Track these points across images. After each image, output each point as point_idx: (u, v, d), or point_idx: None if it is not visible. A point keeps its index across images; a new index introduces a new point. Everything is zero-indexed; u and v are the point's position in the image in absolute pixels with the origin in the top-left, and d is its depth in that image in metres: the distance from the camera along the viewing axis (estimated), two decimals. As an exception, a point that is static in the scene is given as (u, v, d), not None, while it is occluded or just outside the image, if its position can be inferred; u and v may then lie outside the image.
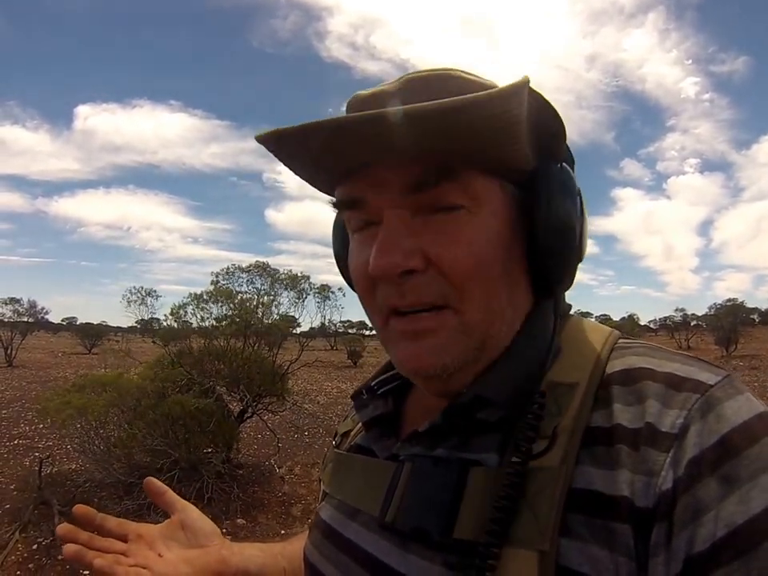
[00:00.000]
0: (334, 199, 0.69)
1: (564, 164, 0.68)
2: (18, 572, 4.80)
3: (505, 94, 0.55)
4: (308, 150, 0.61)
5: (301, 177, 0.68)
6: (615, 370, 0.61)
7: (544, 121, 0.66)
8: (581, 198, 0.68)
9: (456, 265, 0.61)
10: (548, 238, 0.65)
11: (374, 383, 0.85)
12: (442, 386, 0.68)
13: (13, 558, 5.04)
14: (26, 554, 5.11)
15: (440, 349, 0.63)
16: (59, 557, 4.95)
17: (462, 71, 0.65)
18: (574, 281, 0.72)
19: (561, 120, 0.67)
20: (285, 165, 0.65)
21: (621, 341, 0.67)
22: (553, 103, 0.66)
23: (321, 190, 0.71)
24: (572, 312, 0.76)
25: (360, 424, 0.85)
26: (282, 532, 5.84)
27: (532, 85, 0.59)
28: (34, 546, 5.23)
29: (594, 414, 0.58)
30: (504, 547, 0.54)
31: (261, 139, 0.60)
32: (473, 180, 0.62)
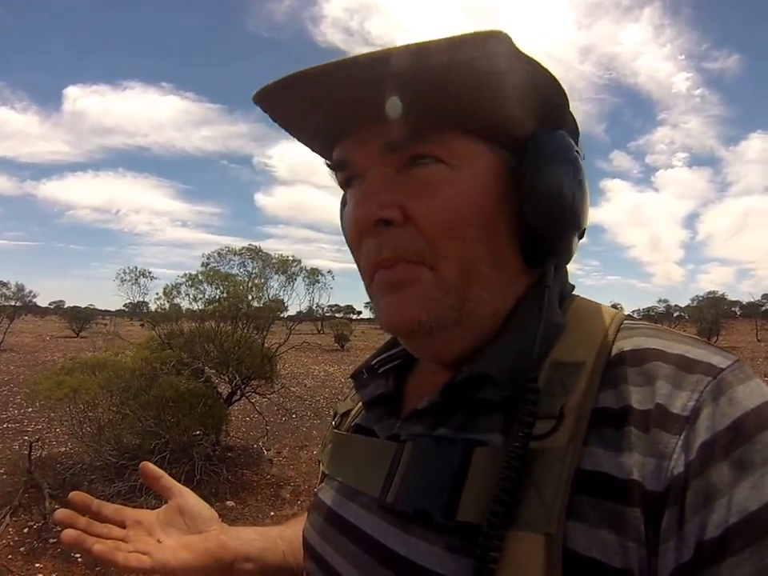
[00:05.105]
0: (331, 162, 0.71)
1: (562, 131, 0.67)
2: (10, 556, 4.79)
3: (465, 39, 0.54)
4: (296, 107, 0.64)
5: (301, 141, 0.72)
6: (623, 350, 0.59)
7: (541, 87, 0.64)
8: (577, 166, 0.66)
9: (429, 219, 0.62)
10: (530, 206, 0.64)
11: (374, 362, 0.84)
12: (425, 345, 0.69)
13: (4, 541, 5.03)
14: (17, 538, 5.09)
15: (416, 301, 0.63)
16: (51, 540, 4.96)
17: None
18: (572, 255, 0.71)
19: (560, 87, 0.66)
20: (285, 129, 0.69)
21: (627, 321, 0.65)
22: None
23: (320, 155, 0.74)
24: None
25: (360, 404, 0.84)
26: (272, 514, 5.87)
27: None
28: (25, 530, 5.22)
29: (602, 395, 0.56)
30: (509, 530, 0.53)
31: (259, 98, 0.63)
32: (450, 140, 0.62)
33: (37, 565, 4.64)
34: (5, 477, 6.63)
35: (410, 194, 0.62)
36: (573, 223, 0.67)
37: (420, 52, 0.55)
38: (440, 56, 0.55)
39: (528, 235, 0.66)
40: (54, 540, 4.94)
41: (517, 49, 0.58)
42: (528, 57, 0.61)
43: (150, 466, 0.90)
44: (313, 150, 0.74)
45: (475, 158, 0.63)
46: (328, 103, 0.62)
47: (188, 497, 0.90)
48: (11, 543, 5.01)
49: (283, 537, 0.96)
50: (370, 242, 0.65)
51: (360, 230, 0.65)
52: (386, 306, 0.66)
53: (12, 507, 5.54)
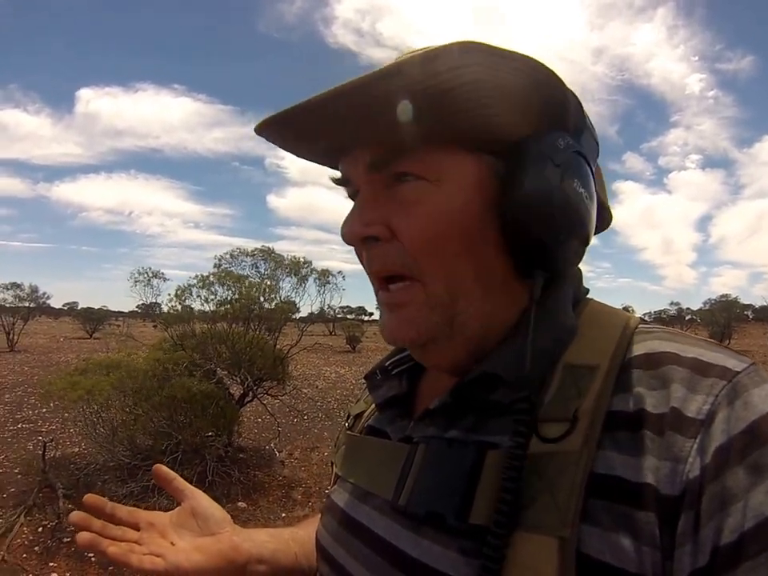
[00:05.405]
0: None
1: (558, 132, 0.65)
2: (25, 555, 4.82)
3: (414, 61, 0.56)
4: (289, 136, 0.69)
5: (309, 160, 0.76)
6: (637, 354, 0.59)
7: (544, 88, 0.62)
8: (568, 168, 0.63)
9: (409, 235, 0.64)
10: (513, 213, 0.63)
11: (388, 363, 0.85)
12: (423, 356, 0.73)
13: (18, 541, 5.05)
14: (31, 537, 5.12)
15: (408, 322, 0.66)
16: (65, 539, 4.98)
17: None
18: (571, 263, 0.69)
19: (564, 87, 0.63)
20: (291, 153, 0.74)
21: (641, 325, 0.65)
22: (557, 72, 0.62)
23: (330, 167, 0.77)
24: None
25: (373, 405, 0.85)
26: (284, 515, 5.87)
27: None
28: (40, 529, 5.25)
29: (616, 398, 0.56)
30: (522, 533, 0.53)
31: (260, 130, 0.67)
32: (429, 155, 0.63)
33: (51, 564, 4.67)
34: (19, 477, 6.66)
35: (395, 210, 0.65)
36: (565, 229, 0.64)
37: (386, 75, 0.57)
38: (405, 77, 0.56)
39: (513, 245, 0.65)
40: (68, 539, 4.95)
41: (498, 54, 0.57)
42: (525, 58, 0.59)
43: (163, 469, 0.91)
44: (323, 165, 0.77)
45: (456, 171, 0.64)
46: (320, 131, 0.66)
47: (200, 499, 0.90)
48: (26, 542, 5.03)
49: (295, 538, 0.96)
50: (364, 254, 0.69)
51: (350, 245, 0.69)
52: (384, 323, 0.69)
53: (26, 507, 5.57)
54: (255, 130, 0.67)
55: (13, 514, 5.50)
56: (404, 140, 0.62)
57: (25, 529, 5.28)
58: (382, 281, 0.68)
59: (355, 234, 0.67)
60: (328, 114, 0.61)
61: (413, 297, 0.66)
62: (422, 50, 0.58)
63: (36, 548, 4.94)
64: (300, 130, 0.66)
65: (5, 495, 6.12)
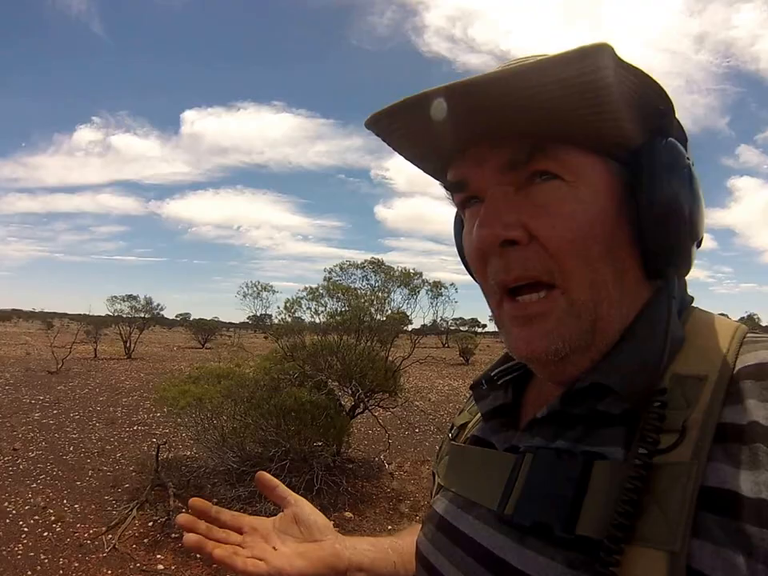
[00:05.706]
0: (447, 183, 0.72)
1: (671, 139, 0.65)
2: (134, 545, 5.13)
3: (574, 55, 0.54)
4: (412, 131, 0.66)
5: (414, 163, 0.75)
6: (747, 364, 0.57)
7: (648, 97, 0.64)
8: (691, 174, 0.65)
9: (554, 238, 0.62)
10: (651, 219, 0.63)
11: (493, 373, 0.84)
12: (557, 371, 0.68)
13: (129, 532, 5.39)
14: (142, 530, 5.45)
15: (550, 333, 0.64)
16: (173, 535, 5.23)
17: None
18: (691, 264, 0.69)
19: (666, 95, 0.65)
20: (397, 150, 0.72)
21: (749, 335, 0.63)
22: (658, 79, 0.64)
23: (433, 177, 0.76)
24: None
25: (478, 415, 0.85)
26: (390, 527, 5.83)
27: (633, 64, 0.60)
28: (150, 524, 5.57)
29: (726, 410, 0.54)
30: (631, 546, 0.52)
31: (370, 123, 0.67)
32: (567, 155, 0.62)
33: (158, 556, 4.94)
34: (134, 474, 7.05)
35: (532, 212, 0.63)
36: (692, 233, 0.65)
37: (531, 71, 0.55)
38: (550, 73, 0.55)
39: (648, 248, 0.65)
40: (176, 535, 5.18)
41: (621, 60, 0.58)
42: (633, 67, 0.60)
43: (266, 476, 0.94)
44: (425, 172, 0.76)
45: (590, 173, 0.63)
46: (441, 126, 0.62)
47: (303, 506, 0.92)
48: (136, 534, 5.37)
49: (395, 547, 0.98)
50: (495, 262, 0.66)
51: (485, 251, 0.66)
52: (517, 338, 0.67)
53: (139, 502, 5.91)
54: (369, 121, 0.66)
55: (126, 507, 5.84)
56: (549, 137, 0.62)
57: (136, 522, 5.60)
58: (507, 292, 0.67)
59: (496, 236, 0.63)
60: (461, 105, 0.59)
61: (553, 306, 0.64)
62: (573, 48, 0.56)
63: (145, 540, 5.24)
64: (421, 122, 0.63)
65: (120, 490, 6.49)
